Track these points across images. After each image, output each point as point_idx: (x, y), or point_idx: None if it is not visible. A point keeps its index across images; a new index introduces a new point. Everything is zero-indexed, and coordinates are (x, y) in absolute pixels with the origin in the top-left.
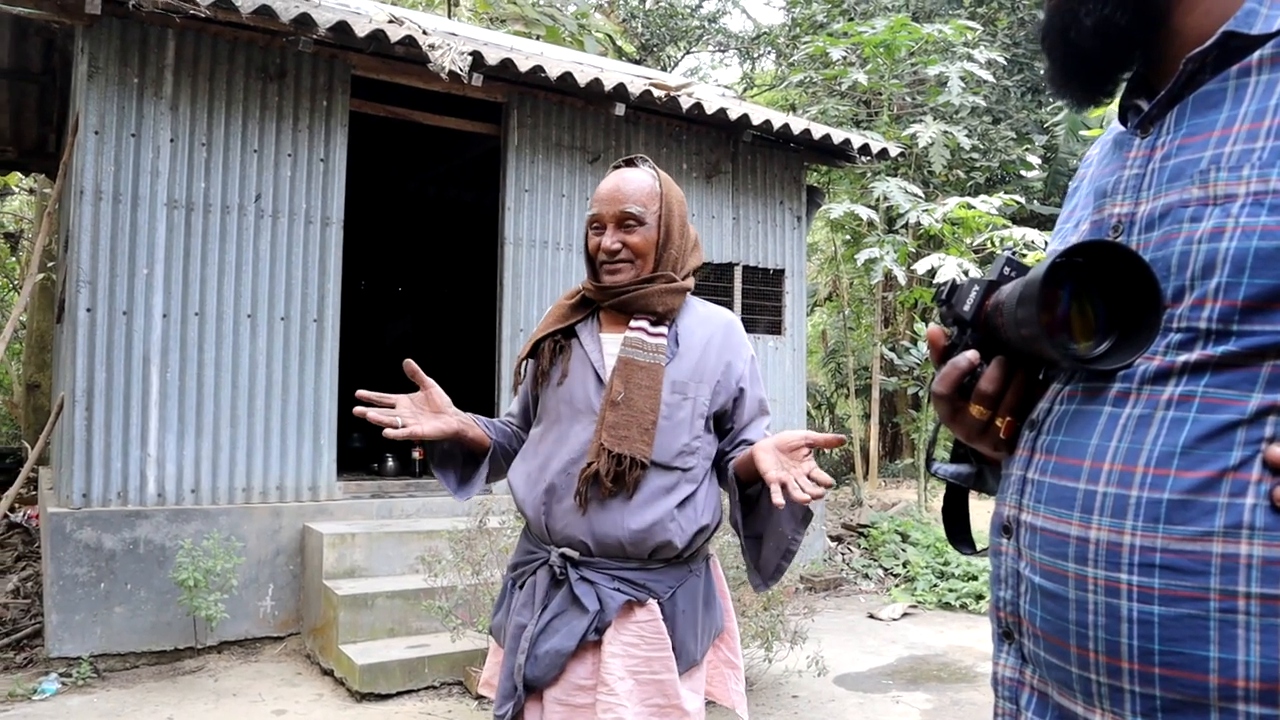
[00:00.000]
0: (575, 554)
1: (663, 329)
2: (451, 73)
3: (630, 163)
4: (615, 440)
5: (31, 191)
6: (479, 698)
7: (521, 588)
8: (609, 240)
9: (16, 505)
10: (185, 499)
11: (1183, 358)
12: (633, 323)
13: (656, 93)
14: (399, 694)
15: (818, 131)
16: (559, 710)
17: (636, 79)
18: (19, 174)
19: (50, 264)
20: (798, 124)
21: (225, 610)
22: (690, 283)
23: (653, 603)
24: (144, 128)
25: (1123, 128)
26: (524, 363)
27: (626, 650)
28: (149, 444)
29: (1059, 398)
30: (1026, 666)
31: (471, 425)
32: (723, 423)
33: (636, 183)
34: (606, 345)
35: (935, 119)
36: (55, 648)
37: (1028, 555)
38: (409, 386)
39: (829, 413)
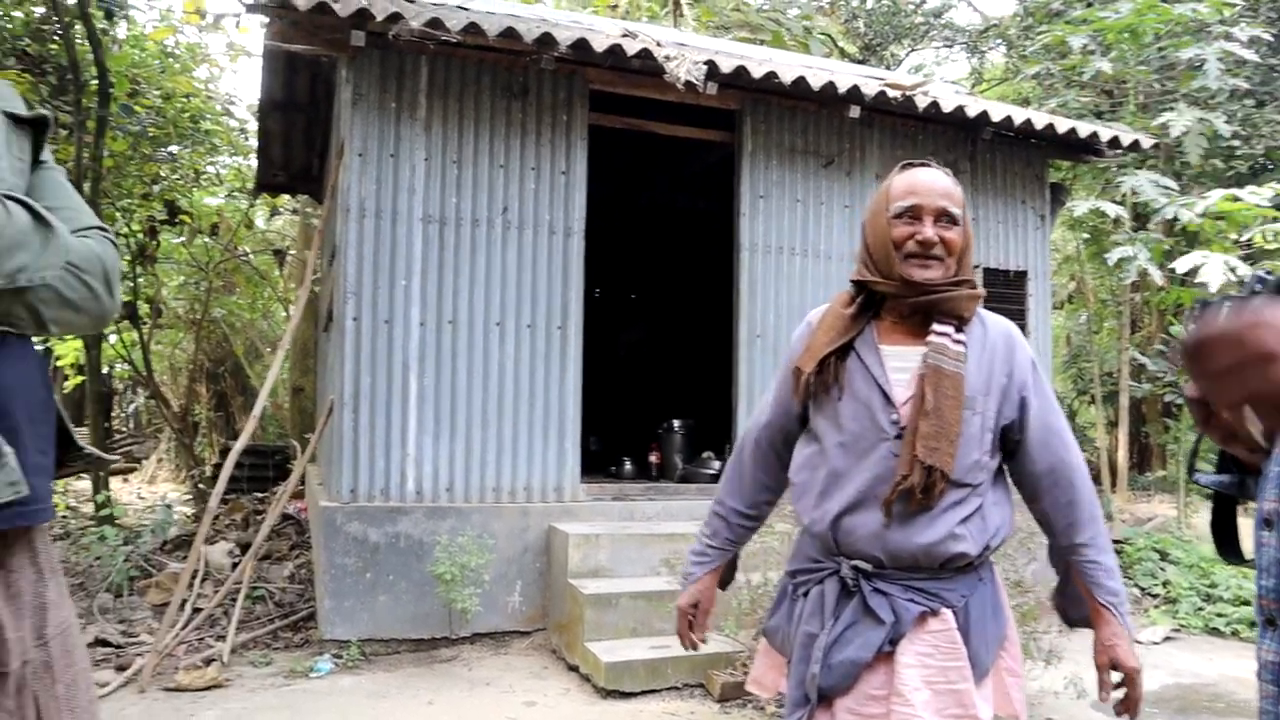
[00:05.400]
0: (868, 566)
1: (963, 336)
2: (687, 82)
3: (924, 164)
4: (928, 452)
5: (294, 211)
6: (721, 700)
7: (806, 595)
8: (930, 231)
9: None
10: (441, 497)
11: None
12: (936, 327)
13: (892, 93)
14: (642, 693)
15: (1062, 126)
16: (850, 719)
17: (870, 80)
18: (286, 195)
19: (311, 277)
20: (1040, 119)
21: (479, 604)
22: (983, 291)
23: (947, 612)
24: (401, 148)
25: None
26: (803, 374)
27: (921, 660)
28: (408, 444)
29: None
30: None
31: (715, 577)
32: (1009, 434)
33: (949, 182)
34: (889, 360)
35: (1189, 105)
36: (327, 630)
37: None
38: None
39: (1069, 420)
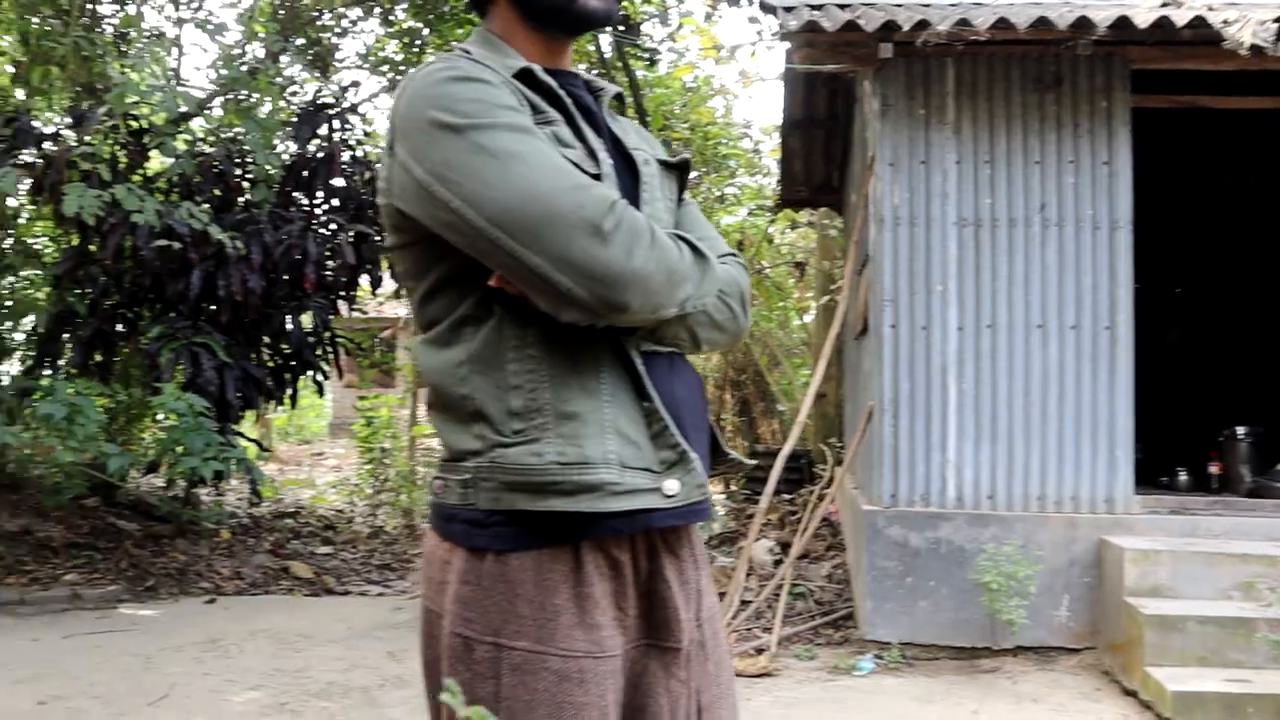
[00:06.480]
0: None
1: None
2: (1253, 46)
3: None
4: None
5: (810, 224)
6: None
7: None
8: None
9: (819, 501)
10: (982, 504)
11: None
12: None
13: None
14: None
15: None
16: None
17: None
18: (808, 209)
19: (832, 286)
20: None
21: (1024, 616)
22: None
23: None
24: (931, 154)
25: None
26: None
27: None
28: (948, 450)
29: None
30: None
31: None
32: None
33: None
34: None
35: None
36: (868, 631)
37: None
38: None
39: None
